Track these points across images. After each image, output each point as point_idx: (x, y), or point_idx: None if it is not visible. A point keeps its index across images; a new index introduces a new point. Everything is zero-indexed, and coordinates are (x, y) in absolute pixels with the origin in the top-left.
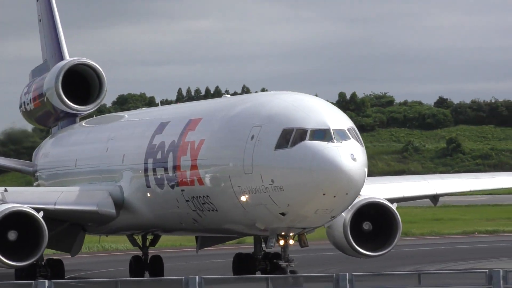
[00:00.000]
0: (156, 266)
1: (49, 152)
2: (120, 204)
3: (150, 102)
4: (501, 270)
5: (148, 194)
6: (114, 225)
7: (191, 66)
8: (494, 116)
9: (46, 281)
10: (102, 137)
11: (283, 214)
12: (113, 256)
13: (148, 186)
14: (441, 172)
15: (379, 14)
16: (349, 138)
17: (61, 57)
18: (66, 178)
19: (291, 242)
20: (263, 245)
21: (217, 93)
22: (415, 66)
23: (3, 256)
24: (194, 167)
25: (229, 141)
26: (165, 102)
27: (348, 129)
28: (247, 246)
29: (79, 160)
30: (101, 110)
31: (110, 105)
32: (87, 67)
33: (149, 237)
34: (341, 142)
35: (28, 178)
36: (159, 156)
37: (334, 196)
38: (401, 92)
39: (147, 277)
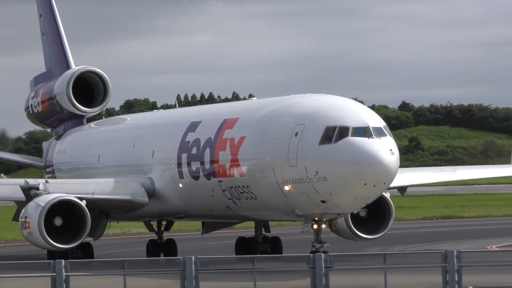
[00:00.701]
0: (170, 248)
1: (66, 149)
2: (151, 193)
3: (152, 106)
4: (455, 251)
5: (180, 185)
6: (141, 212)
7: (187, 75)
8: (450, 118)
9: (63, 261)
10: (128, 136)
11: (323, 201)
12: (132, 239)
13: (181, 178)
14: (403, 166)
15: (351, 31)
16: (386, 135)
17: (67, 66)
18: (88, 171)
19: (323, 226)
20: (263, 230)
21: (211, 99)
22: (381, 75)
23: (52, 239)
24: (234, 160)
25: (272, 138)
26: (165, 106)
27: (383, 127)
28: (248, 230)
29: (102, 155)
30: (110, 113)
31: (118, 109)
32: (94, 74)
33: (164, 222)
34: (380, 138)
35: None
36: (194, 151)
37: (374, 186)
38: (370, 97)
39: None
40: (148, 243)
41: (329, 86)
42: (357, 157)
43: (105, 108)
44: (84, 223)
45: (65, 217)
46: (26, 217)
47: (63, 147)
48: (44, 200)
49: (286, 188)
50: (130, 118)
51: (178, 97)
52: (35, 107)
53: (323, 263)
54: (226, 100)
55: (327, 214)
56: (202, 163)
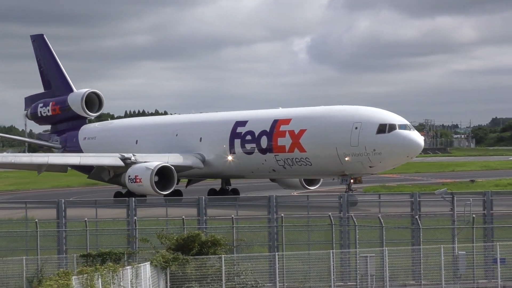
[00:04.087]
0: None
1: (95, 136)
2: (203, 162)
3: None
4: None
5: (230, 158)
6: (197, 172)
7: (133, 100)
8: None
9: (133, 198)
10: (169, 128)
11: (371, 166)
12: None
13: (233, 153)
14: None
15: (220, 77)
16: (414, 129)
17: (69, 87)
18: (126, 151)
19: (351, 181)
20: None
21: (143, 113)
22: (238, 101)
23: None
24: (295, 143)
25: (334, 130)
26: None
27: (411, 124)
28: (213, 184)
29: (139, 140)
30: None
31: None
32: (94, 94)
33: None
34: (414, 131)
35: None
36: (248, 137)
37: (411, 158)
38: None
39: None
40: (209, 190)
41: (211, 106)
42: (406, 141)
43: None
44: (173, 179)
45: (159, 176)
46: (136, 175)
47: (91, 135)
48: (152, 165)
49: (347, 159)
50: (177, 117)
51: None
52: (44, 112)
53: (274, 202)
54: (157, 113)
55: (365, 174)
56: (258, 144)
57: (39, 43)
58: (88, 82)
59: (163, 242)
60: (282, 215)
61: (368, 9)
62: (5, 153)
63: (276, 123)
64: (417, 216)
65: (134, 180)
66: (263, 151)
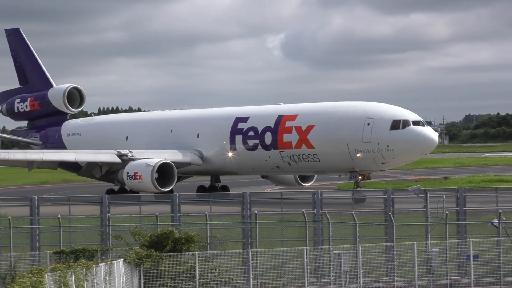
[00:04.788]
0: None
1: (80, 132)
2: (202, 159)
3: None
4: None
5: (230, 154)
6: (194, 169)
7: (108, 97)
8: None
9: (106, 195)
10: (163, 125)
11: (383, 163)
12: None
13: (234, 150)
14: None
15: (192, 73)
16: (427, 125)
17: (48, 82)
18: (115, 147)
19: (359, 177)
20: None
21: (117, 110)
22: (212, 97)
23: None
24: (303, 140)
25: (345, 126)
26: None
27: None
28: (203, 180)
29: (130, 137)
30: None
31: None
32: (75, 89)
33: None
34: (428, 127)
35: None
36: (251, 133)
37: (425, 154)
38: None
39: None
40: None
41: (183, 103)
42: (421, 138)
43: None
44: (173, 176)
45: (159, 172)
46: (136, 172)
47: (74, 131)
48: (152, 161)
49: (358, 155)
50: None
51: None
52: (22, 108)
53: (248, 198)
54: (130, 110)
55: (376, 170)
56: (262, 140)
57: (15, 37)
58: (61, 78)
59: (137, 239)
60: (256, 212)
61: (341, 6)
62: (2, 150)
63: (281, 119)
64: (390, 213)
65: (133, 177)
66: (267, 147)
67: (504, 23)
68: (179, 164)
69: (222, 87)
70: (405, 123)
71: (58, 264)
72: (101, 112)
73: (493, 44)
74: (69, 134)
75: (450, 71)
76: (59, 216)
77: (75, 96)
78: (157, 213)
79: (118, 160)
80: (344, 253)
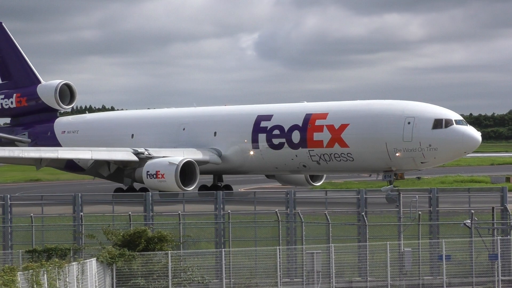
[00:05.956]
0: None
1: (77, 129)
2: (219, 157)
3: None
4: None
5: (252, 153)
6: (212, 167)
7: (85, 95)
8: None
9: (79, 194)
10: (175, 123)
11: (422, 162)
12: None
13: (256, 148)
14: None
15: (167, 73)
16: (468, 124)
17: (35, 78)
18: (120, 145)
19: (393, 177)
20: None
21: (97, 109)
22: (184, 97)
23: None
24: (336, 138)
25: (384, 125)
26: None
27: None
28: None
29: (135, 134)
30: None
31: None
32: (67, 86)
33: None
34: (470, 126)
35: None
36: (276, 132)
37: (468, 153)
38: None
39: None
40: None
41: (158, 102)
42: (465, 137)
43: (72, 106)
44: (196, 174)
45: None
46: (158, 171)
47: (71, 129)
48: (176, 160)
49: (397, 154)
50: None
51: (77, 107)
52: (7, 104)
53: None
54: (104, 108)
55: (413, 170)
56: (289, 139)
57: None
58: None
59: (110, 238)
60: (229, 211)
61: (315, 6)
62: (10, 147)
63: (309, 117)
64: (363, 213)
65: (154, 176)
66: (295, 146)
67: (478, 24)
68: (197, 163)
69: (197, 86)
70: (448, 122)
71: (30, 263)
72: (74, 111)
73: (467, 45)
74: (64, 131)
75: (424, 71)
76: (32, 214)
77: (65, 93)
78: (130, 212)
79: (135, 158)
80: (317, 253)
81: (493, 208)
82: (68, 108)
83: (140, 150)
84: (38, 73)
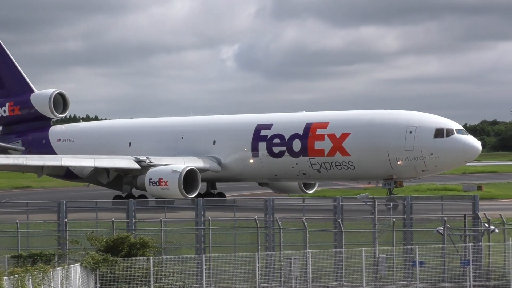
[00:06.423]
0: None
1: (73, 138)
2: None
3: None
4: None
5: (251, 161)
6: (211, 175)
7: (74, 106)
8: None
9: (63, 201)
10: (173, 132)
11: (423, 171)
12: None
13: (256, 156)
14: None
15: (150, 83)
16: (469, 133)
17: (28, 87)
18: (117, 153)
19: (392, 184)
20: (210, 188)
21: (81, 119)
22: (164, 106)
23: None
24: (337, 147)
25: (385, 134)
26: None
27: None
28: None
29: (133, 143)
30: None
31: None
32: (60, 95)
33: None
34: (470, 136)
35: None
36: (276, 141)
37: (468, 162)
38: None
39: None
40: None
41: (140, 112)
42: (466, 146)
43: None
44: (198, 182)
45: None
46: (161, 178)
47: (65, 137)
48: (179, 168)
49: (399, 162)
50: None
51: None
52: (0, 114)
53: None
54: (88, 118)
55: (414, 178)
56: (290, 148)
57: None
58: None
59: (93, 243)
60: (209, 218)
61: (294, 19)
62: (14, 155)
63: (310, 126)
64: (339, 220)
65: (157, 183)
66: (295, 154)
67: (451, 37)
68: (200, 170)
69: (179, 97)
70: (449, 132)
71: (16, 268)
72: (59, 120)
73: (441, 57)
74: (60, 139)
75: (399, 82)
76: (17, 221)
77: (58, 101)
78: (113, 219)
79: (137, 166)
80: (294, 258)
81: (465, 215)
82: (61, 116)
83: (142, 158)
84: (31, 82)
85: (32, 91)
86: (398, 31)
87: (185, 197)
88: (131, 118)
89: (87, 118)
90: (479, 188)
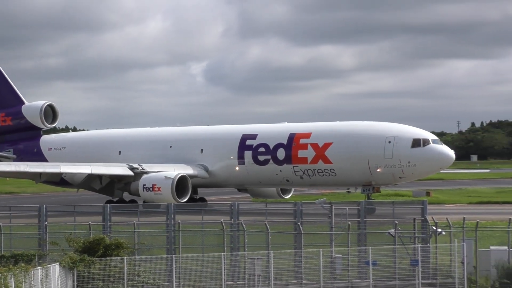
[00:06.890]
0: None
1: (64, 146)
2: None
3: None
4: None
5: (237, 168)
6: (199, 181)
7: (60, 117)
8: None
9: (44, 205)
10: (162, 141)
11: (401, 177)
12: None
13: (242, 164)
14: None
15: (126, 96)
16: (443, 143)
17: (19, 98)
18: (107, 161)
19: (371, 190)
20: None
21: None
22: (146, 117)
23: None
24: (320, 155)
25: (366, 143)
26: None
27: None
28: None
29: (122, 151)
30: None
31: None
32: (49, 107)
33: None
34: (445, 145)
35: None
36: (261, 149)
37: (443, 169)
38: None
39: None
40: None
41: (117, 123)
42: (441, 155)
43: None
44: (188, 188)
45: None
46: (154, 184)
47: (56, 146)
48: (171, 174)
49: (378, 170)
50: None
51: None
52: None
53: (237, 209)
54: (67, 128)
55: (391, 184)
56: (274, 156)
57: None
58: None
59: (71, 245)
60: (179, 221)
61: (258, 38)
62: (16, 163)
63: (293, 136)
64: (299, 223)
65: (150, 189)
66: (279, 162)
67: (403, 55)
68: (190, 176)
69: (152, 109)
70: (425, 142)
71: None
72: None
73: (393, 73)
74: (51, 148)
75: (354, 97)
76: (0, 224)
77: (48, 113)
78: (90, 222)
79: (130, 173)
80: (257, 258)
81: (414, 219)
82: (51, 126)
83: (135, 165)
84: (21, 95)
85: (23, 102)
86: (354, 50)
87: (177, 201)
88: (107, 129)
89: (66, 129)
90: (428, 194)
